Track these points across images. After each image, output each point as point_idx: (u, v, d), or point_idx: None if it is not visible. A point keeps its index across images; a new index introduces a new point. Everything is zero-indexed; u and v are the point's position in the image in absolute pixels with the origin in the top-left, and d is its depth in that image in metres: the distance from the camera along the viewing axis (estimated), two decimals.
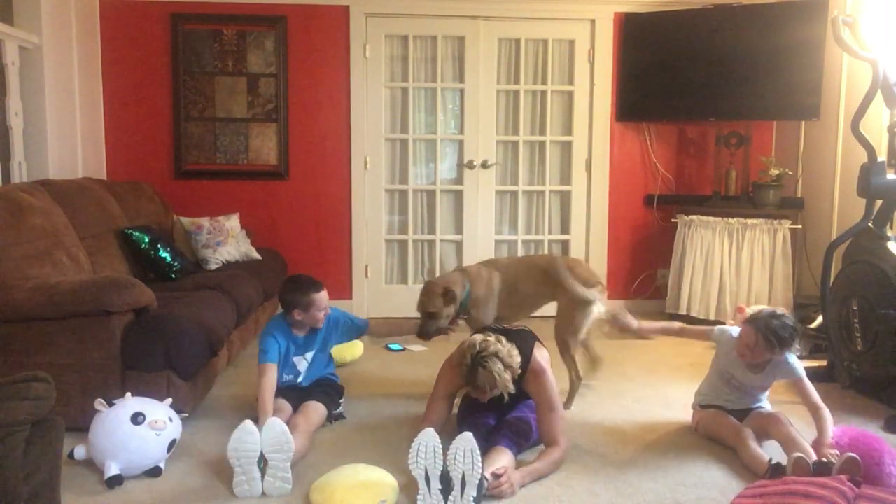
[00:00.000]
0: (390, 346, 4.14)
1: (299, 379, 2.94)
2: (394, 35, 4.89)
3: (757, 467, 2.40)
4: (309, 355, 2.96)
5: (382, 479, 2.27)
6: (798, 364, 2.64)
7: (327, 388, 2.97)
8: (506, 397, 2.46)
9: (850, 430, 2.53)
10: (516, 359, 2.46)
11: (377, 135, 4.93)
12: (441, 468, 2.12)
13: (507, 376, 2.40)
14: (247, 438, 2.24)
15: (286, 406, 2.77)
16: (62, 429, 1.76)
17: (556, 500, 2.26)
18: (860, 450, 2.31)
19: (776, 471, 2.32)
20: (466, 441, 2.13)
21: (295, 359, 2.93)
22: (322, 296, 2.86)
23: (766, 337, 2.53)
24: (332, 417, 2.89)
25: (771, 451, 2.48)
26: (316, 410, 2.78)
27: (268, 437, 2.26)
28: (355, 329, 3.07)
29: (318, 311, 2.85)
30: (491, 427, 2.56)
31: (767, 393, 2.78)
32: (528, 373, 2.52)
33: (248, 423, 2.27)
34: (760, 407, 2.75)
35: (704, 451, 2.63)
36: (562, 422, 2.50)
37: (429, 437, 2.15)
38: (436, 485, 2.11)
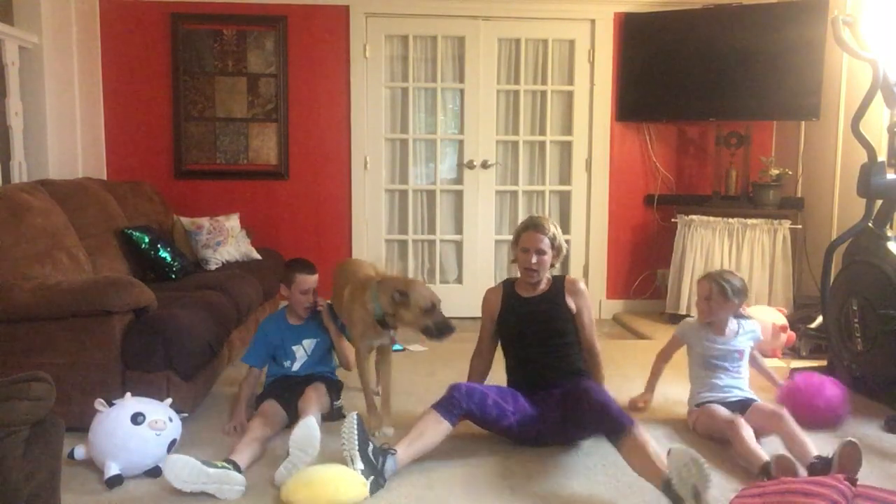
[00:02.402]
0: None
1: (295, 367, 2.97)
2: (394, 35, 4.89)
3: (752, 462, 2.39)
4: (307, 343, 2.99)
5: (350, 477, 2.24)
6: (758, 328, 2.97)
7: (326, 381, 2.98)
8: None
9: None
10: (563, 251, 2.87)
11: (377, 135, 4.93)
12: (361, 451, 2.24)
13: (559, 237, 2.83)
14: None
15: (278, 414, 2.74)
16: (62, 429, 1.76)
17: (556, 499, 2.26)
18: (805, 385, 2.87)
19: (766, 471, 2.31)
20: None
21: (294, 346, 2.98)
22: (306, 278, 2.91)
23: (720, 284, 2.83)
24: (333, 413, 2.90)
25: (769, 448, 2.47)
26: (320, 386, 2.87)
27: (298, 433, 2.31)
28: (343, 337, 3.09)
29: (299, 291, 2.91)
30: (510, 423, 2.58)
31: (748, 372, 2.91)
32: (566, 280, 2.90)
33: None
34: (755, 399, 2.78)
35: (704, 451, 2.62)
36: (594, 326, 2.94)
37: (353, 419, 2.28)
38: (359, 465, 2.23)
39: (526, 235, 2.78)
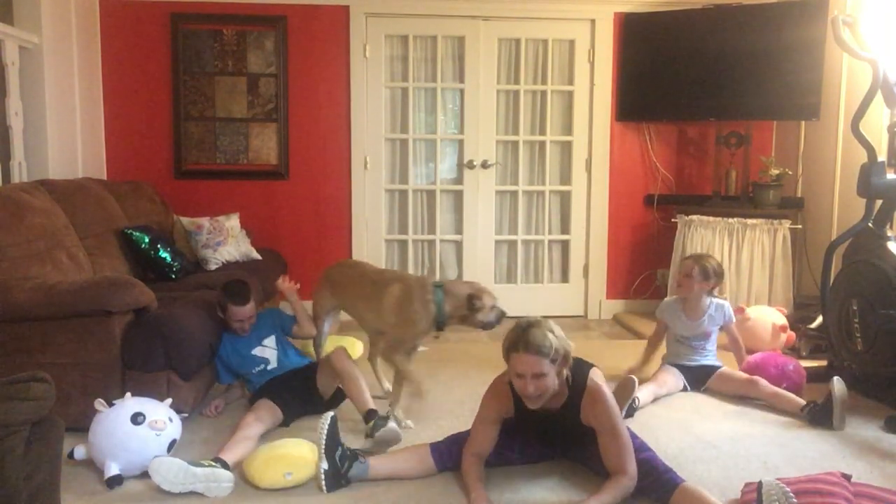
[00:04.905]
0: None
1: (272, 366, 2.99)
2: (394, 35, 4.89)
3: (792, 403, 2.99)
4: (268, 341, 3.02)
5: (300, 455, 2.35)
6: (731, 312, 3.36)
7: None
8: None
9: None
10: (570, 355, 2.22)
11: (377, 135, 4.93)
12: (328, 453, 2.26)
13: (561, 346, 2.16)
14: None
15: (272, 412, 2.75)
16: (62, 429, 1.76)
17: (557, 500, 2.26)
18: (767, 362, 3.29)
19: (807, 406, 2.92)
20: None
21: (255, 351, 2.99)
22: (237, 310, 2.94)
23: (702, 264, 3.25)
24: (338, 395, 2.94)
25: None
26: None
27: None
28: (287, 324, 3.14)
29: (232, 320, 2.95)
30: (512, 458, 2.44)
31: (714, 347, 3.36)
32: (585, 394, 2.25)
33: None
34: (718, 365, 3.31)
35: (703, 451, 2.64)
36: (628, 447, 2.21)
37: (325, 421, 2.29)
38: (324, 465, 2.26)
39: (516, 358, 2.16)
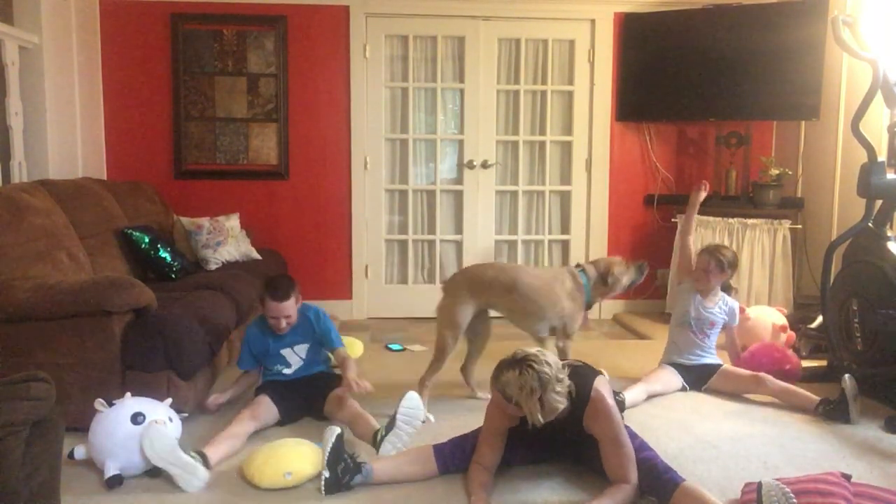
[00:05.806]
0: (390, 345, 4.15)
1: (289, 370, 2.94)
2: (394, 35, 4.89)
3: (805, 400, 3.03)
4: (299, 348, 2.96)
5: (300, 455, 2.35)
6: (737, 315, 3.45)
7: (328, 381, 2.97)
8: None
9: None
10: (559, 403, 2.17)
11: (377, 135, 4.93)
12: (331, 466, 2.26)
13: (524, 400, 2.13)
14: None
15: (269, 411, 2.75)
16: (62, 429, 1.76)
17: (558, 500, 2.27)
18: (763, 353, 3.42)
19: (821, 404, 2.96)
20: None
21: (283, 351, 2.94)
22: (275, 306, 2.82)
23: (718, 258, 3.28)
24: None
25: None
26: (342, 394, 2.84)
27: (406, 406, 2.49)
28: (326, 342, 3.02)
29: (270, 316, 2.85)
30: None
31: (714, 344, 3.37)
32: (589, 405, 2.24)
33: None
34: (719, 363, 3.32)
35: (703, 451, 2.64)
36: (630, 458, 2.20)
37: (331, 436, 2.29)
38: (325, 474, 2.25)
39: (491, 386, 2.26)
